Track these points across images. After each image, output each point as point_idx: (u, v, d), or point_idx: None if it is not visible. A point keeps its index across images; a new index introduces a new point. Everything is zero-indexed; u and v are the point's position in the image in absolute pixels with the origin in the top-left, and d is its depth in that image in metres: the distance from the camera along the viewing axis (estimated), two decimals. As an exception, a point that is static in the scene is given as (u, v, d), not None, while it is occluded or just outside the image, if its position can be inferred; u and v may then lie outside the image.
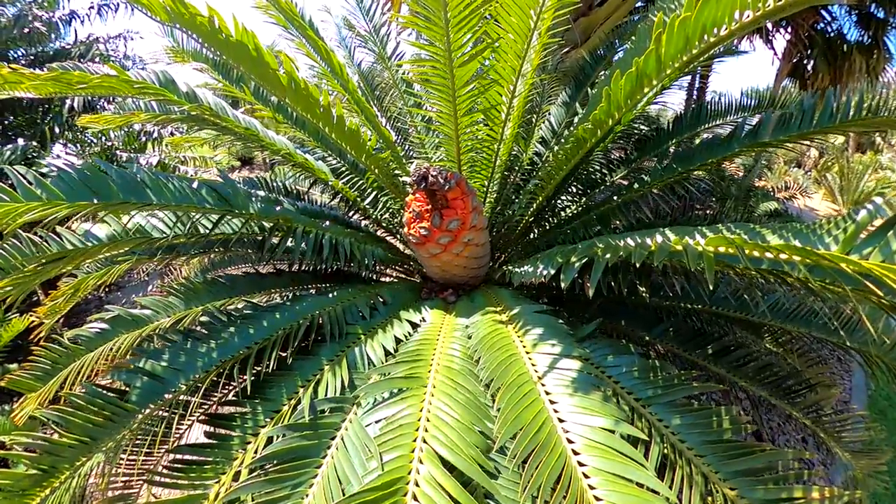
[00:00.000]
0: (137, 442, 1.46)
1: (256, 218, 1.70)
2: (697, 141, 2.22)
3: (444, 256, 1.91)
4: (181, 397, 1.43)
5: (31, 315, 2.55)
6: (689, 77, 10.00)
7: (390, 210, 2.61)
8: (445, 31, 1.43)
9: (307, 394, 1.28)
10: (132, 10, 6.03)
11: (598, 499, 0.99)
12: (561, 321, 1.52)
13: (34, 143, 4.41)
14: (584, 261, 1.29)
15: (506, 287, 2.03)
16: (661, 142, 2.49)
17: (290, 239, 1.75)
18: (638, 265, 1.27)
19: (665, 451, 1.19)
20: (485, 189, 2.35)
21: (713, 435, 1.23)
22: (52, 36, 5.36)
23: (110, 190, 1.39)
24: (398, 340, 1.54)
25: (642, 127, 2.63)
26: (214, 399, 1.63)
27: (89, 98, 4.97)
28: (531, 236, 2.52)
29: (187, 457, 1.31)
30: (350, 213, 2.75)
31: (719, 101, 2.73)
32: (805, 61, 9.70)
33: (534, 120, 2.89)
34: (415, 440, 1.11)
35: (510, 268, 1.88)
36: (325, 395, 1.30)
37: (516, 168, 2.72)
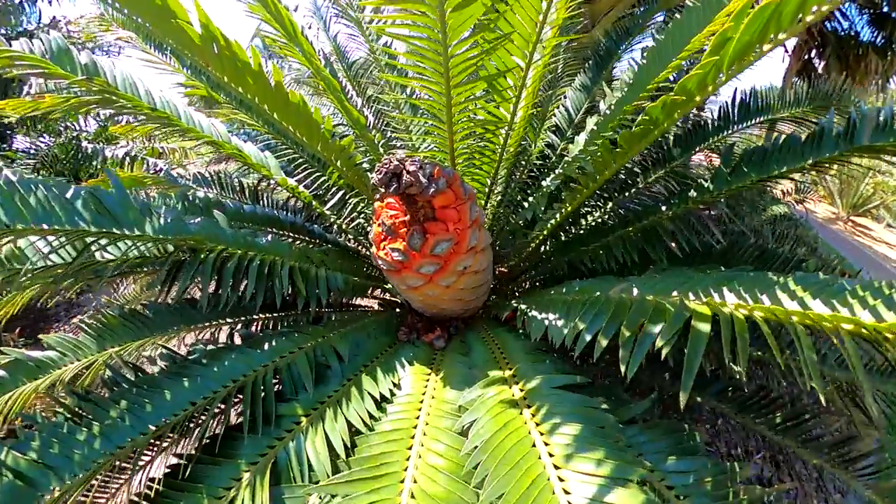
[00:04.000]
0: None
1: (152, 241, 1.14)
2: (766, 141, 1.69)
3: (428, 290, 1.37)
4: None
5: None
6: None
7: (363, 214, 2.06)
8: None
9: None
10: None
11: None
12: (601, 400, 1.01)
13: None
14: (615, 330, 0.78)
15: (510, 329, 1.51)
16: (707, 136, 1.96)
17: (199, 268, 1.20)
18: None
19: None
20: (486, 191, 1.82)
21: None
22: (22, 16, 5.32)
23: None
24: (355, 432, 1.02)
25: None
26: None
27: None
28: (543, 248, 2.00)
29: None
30: (314, 219, 2.20)
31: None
32: (815, 60, 9.11)
33: (545, 104, 2.34)
34: None
35: (520, 305, 1.35)
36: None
37: (523, 162, 2.18)
